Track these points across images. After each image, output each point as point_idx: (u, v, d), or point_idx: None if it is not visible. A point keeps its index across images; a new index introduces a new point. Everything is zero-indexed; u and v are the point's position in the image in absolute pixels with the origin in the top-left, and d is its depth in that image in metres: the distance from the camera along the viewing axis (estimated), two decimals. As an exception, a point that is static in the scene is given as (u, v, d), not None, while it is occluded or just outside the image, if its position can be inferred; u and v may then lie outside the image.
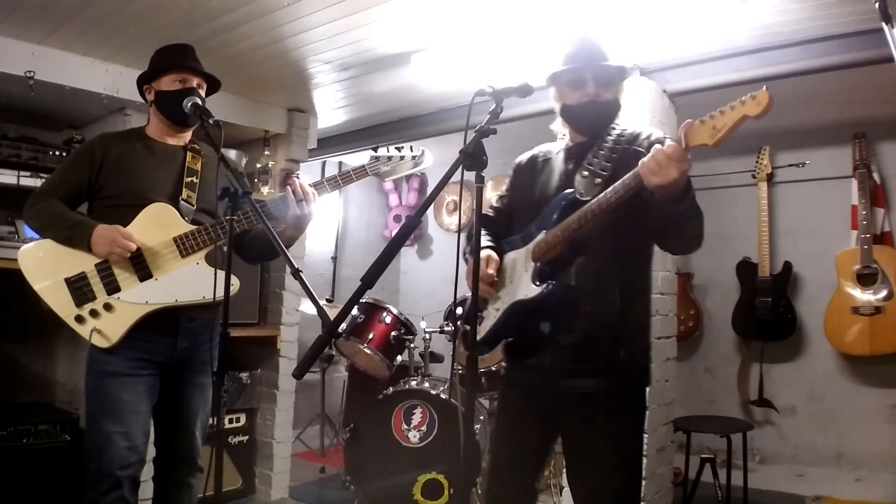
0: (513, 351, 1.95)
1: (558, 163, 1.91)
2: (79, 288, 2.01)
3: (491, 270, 1.86)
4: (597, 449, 1.75)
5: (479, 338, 1.83)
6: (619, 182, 1.58)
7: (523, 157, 2.04)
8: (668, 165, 1.45)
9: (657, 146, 1.50)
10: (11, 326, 3.34)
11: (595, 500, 1.76)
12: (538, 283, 1.74)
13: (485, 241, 1.92)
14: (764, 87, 1.34)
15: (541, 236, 1.77)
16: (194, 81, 2.14)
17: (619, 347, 1.75)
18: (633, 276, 1.81)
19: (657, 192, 1.51)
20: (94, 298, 2.01)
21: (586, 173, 1.78)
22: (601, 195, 1.62)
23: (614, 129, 1.85)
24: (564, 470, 2.09)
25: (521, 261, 1.84)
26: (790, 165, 4.07)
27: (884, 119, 3.71)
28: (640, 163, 1.51)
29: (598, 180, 1.73)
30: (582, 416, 1.76)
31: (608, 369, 1.74)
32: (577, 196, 1.74)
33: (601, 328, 1.74)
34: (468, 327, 1.89)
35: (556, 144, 1.98)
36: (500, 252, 1.94)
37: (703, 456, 3.34)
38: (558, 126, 1.94)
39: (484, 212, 2.02)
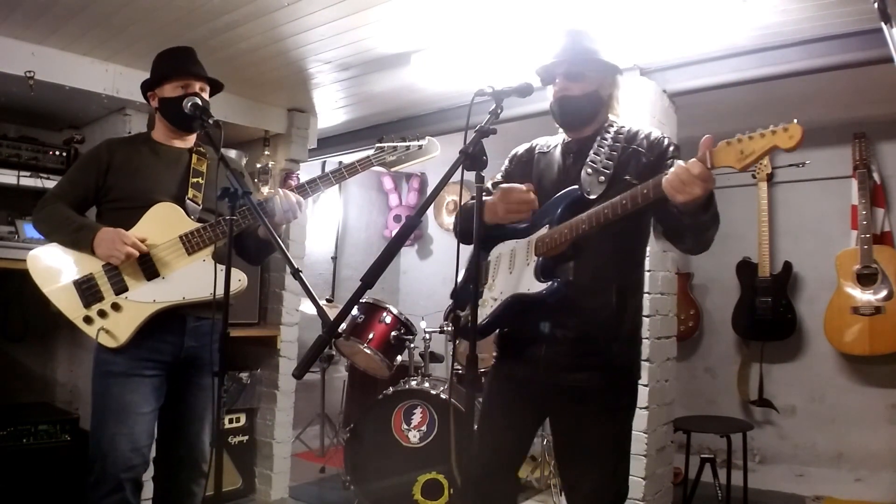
0: (507, 343, 1.95)
1: (556, 156, 1.93)
2: (87, 289, 2.02)
3: (532, 195, 1.77)
4: (586, 442, 1.77)
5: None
6: (636, 190, 1.57)
7: (521, 148, 2.06)
8: (692, 184, 1.45)
9: (679, 163, 1.49)
10: (12, 326, 3.34)
11: (582, 493, 1.78)
12: (542, 279, 1.73)
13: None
14: (794, 121, 1.30)
15: (545, 231, 1.77)
16: (196, 86, 2.14)
17: (613, 343, 1.77)
18: (629, 274, 1.84)
19: (680, 205, 1.51)
20: (102, 299, 2.02)
21: (590, 171, 1.79)
22: (616, 200, 1.60)
23: (611, 125, 1.87)
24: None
25: (521, 251, 1.83)
26: (790, 165, 4.06)
27: (884, 119, 3.71)
28: (663, 179, 1.50)
29: (602, 178, 1.76)
30: (574, 409, 1.78)
31: (602, 365, 1.76)
32: (584, 194, 1.76)
33: (598, 324, 1.76)
34: (461, 313, 1.88)
35: (555, 138, 2.00)
36: (496, 240, 1.93)
37: (703, 456, 3.35)
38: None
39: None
